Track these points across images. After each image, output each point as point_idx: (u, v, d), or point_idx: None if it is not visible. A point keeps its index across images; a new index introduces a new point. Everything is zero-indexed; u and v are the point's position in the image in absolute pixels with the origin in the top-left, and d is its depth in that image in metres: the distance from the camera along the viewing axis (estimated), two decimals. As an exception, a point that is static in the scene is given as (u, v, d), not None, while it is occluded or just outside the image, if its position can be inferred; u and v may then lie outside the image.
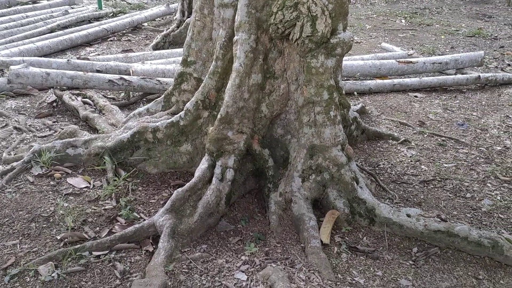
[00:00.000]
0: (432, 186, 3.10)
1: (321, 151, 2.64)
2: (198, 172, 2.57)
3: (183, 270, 2.16)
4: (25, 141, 3.37)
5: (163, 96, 3.16)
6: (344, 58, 3.95)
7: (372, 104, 4.57)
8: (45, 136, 3.47)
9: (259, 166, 2.74)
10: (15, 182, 2.76)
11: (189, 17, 6.49)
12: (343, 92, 3.13)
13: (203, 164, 2.61)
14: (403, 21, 8.93)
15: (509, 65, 6.07)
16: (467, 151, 3.63)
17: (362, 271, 2.27)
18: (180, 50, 5.48)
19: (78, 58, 5.05)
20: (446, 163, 3.42)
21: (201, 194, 2.52)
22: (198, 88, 2.86)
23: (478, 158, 3.52)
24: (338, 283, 2.15)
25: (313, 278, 2.14)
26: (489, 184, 3.15)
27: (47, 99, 4.10)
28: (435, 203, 2.90)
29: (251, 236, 2.49)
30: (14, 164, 2.90)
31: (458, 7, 10.58)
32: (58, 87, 4.09)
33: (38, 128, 3.61)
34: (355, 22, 8.63)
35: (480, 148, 3.69)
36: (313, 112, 2.60)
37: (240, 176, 2.70)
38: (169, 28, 6.58)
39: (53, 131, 3.56)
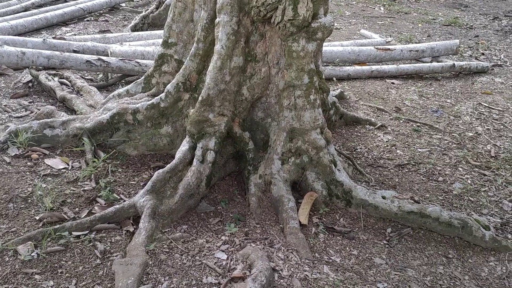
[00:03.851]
0: (406, 170, 3.20)
1: (300, 134, 2.69)
2: (179, 154, 2.58)
3: (163, 249, 2.19)
4: (1, 122, 3.30)
5: (143, 77, 3.14)
6: (324, 44, 3.98)
7: (350, 89, 4.64)
8: (21, 117, 3.40)
9: (240, 148, 2.77)
10: (-9, 162, 2.72)
11: (169, -2, 6.40)
12: (323, 76, 3.18)
13: (184, 146, 2.63)
14: (382, 8, 9.02)
15: (483, 54, 6.24)
16: (440, 136, 3.75)
17: (339, 251, 2.35)
18: (159, 32, 5.41)
19: (54, 38, 4.93)
20: (420, 148, 3.52)
21: (181, 175, 2.53)
22: (179, 70, 2.85)
23: (450, 143, 3.64)
24: (315, 261, 2.22)
25: (292, 257, 2.20)
26: (460, 169, 3.27)
27: (23, 79, 4.00)
28: (409, 186, 3.00)
29: (231, 217, 2.53)
30: (-10, 144, 2.85)
31: (435, -4, 10.73)
32: (34, 67, 4.00)
33: (13, 108, 3.53)
34: (335, 8, 8.67)
35: (452, 134, 3.81)
36: (293, 95, 2.64)
37: (220, 158, 2.73)
38: (148, 9, 6.47)
39: (29, 111, 3.49)
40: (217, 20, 2.53)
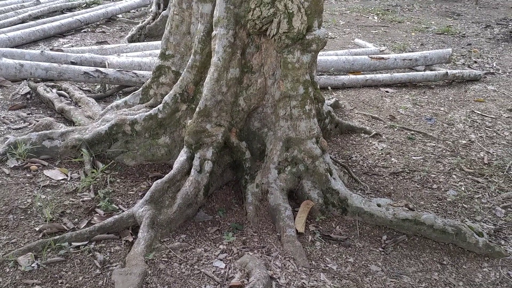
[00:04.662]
0: (401, 178, 3.24)
1: (296, 143, 2.73)
2: (177, 164, 2.62)
3: (162, 259, 2.22)
4: (-1, 133, 3.34)
5: (141, 89, 3.19)
6: (319, 53, 4.05)
7: (345, 98, 4.70)
8: (19, 128, 3.44)
9: (237, 158, 2.81)
10: (-9, 174, 2.75)
11: (165, 9, 6.47)
12: (318, 87, 3.23)
13: (182, 156, 2.67)
14: (376, 17, 9.13)
15: (475, 62, 6.33)
16: (434, 144, 3.80)
17: (335, 258, 2.39)
18: (156, 42, 5.47)
19: (51, 50, 4.97)
20: (415, 156, 3.58)
21: (180, 185, 2.57)
22: (176, 82, 2.90)
23: (444, 151, 3.70)
24: (312, 269, 2.25)
25: (289, 265, 2.24)
26: (454, 176, 3.33)
27: (21, 90, 4.04)
28: (403, 193, 3.04)
29: (229, 226, 2.56)
30: (-11, 156, 2.88)
31: (428, 5, 10.88)
32: (32, 78, 4.04)
33: (12, 120, 3.57)
34: (329, 17, 8.77)
35: (446, 141, 3.87)
36: (289, 106, 2.69)
37: (218, 168, 2.76)
38: (144, 21, 6.54)
39: (28, 123, 3.52)
40: (214, 32, 2.59)
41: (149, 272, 2.11)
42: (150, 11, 6.95)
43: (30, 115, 3.68)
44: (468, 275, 2.36)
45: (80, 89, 4.21)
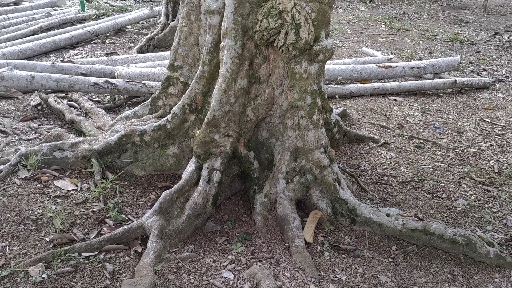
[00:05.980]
0: (410, 187, 3.23)
1: (304, 153, 2.74)
2: (185, 174, 2.64)
3: (171, 269, 2.22)
4: (11, 144, 3.38)
5: (150, 99, 3.22)
6: (327, 62, 4.06)
7: (353, 107, 4.69)
8: (30, 139, 3.48)
9: (245, 168, 2.82)
10: (2, 185, 2.78)
11: (173, 20, 6.55)
12: (326, 96, 3.24)
13: (190, 167, 2.68)
14: (383, 26, 9.14)
15: (484, 69, 6.29)
16: (444, 153, 3.78)
17: (344, 269, 2.37)
18: (164, 53, 5.52)
19: (62, 61, 5.04)
20: (424, 165, 3.56)
21: (188, 195, 2.58)
22: (185, 92, 2.92)
23: (454, 160, 3.67)
24: (321, 280, 2.24)
25: (298, 276, 2.23)
26: (464, 185, 3.30)
27: (32, 102, 4.10)
28: (413, 203, 3.03)
29: (237, 236, 2.56)
30: (1, 167, 2.91)
31: (436, 13, 10.87)
32: (43, 90, 4.10)
33: (23, 131, 3.62)
34: (337, 26, 8.80)
35: (456, 150, 3.85)
36: (297, 116, 2.70)
37: (226, 178, 2.77)
38: (153, 31, 6.62)
39: (39, 134, 3.57)
40: (222, 44, 2.61)
41: (158, 282, 2.11)
42: (159, 22, 7.03)
43: (41, 126, 3.73)
44: (479, 286, 2.33)
45: (90, 100, 4.26)
